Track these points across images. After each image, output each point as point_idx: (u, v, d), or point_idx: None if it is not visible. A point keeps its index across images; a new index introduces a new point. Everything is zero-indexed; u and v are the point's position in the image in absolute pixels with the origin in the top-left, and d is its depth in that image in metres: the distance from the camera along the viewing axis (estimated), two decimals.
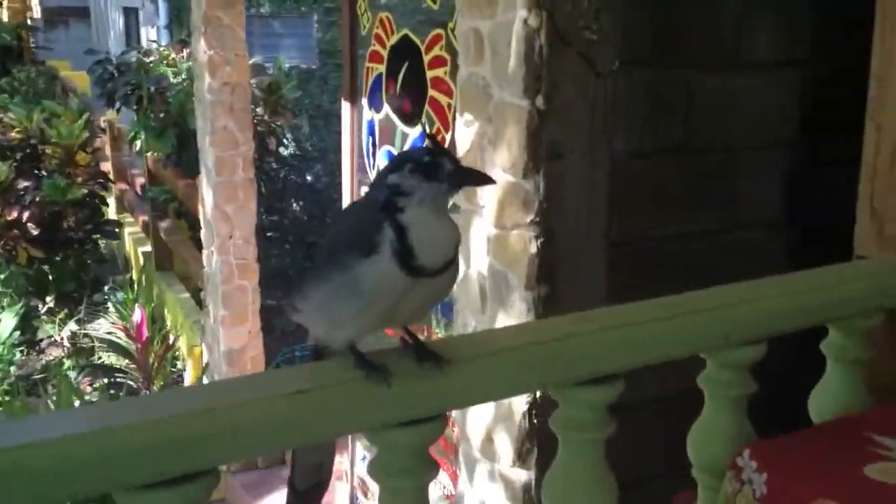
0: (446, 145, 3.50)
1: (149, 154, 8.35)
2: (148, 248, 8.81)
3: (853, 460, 1.26)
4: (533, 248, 2.50)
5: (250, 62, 6.34)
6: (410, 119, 3.81)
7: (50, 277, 8.05)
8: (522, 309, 2.55)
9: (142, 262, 8.76)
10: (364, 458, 4.29)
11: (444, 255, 1.10)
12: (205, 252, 6.28)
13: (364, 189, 4.38)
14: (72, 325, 7.70)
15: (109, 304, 7.61)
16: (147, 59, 8.25)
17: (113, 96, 8.38)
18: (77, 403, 5.62)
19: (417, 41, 3.69)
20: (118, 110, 8.84)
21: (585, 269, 2.61)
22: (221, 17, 5.76)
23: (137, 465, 0.96)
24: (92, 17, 19.69)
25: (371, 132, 4.22)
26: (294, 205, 9.52)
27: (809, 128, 2.92)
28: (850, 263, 1.63)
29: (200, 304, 7.10)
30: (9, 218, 7.53)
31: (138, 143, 8.25)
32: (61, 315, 7.84)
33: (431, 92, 3.60)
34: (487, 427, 2.67)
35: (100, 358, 7.29)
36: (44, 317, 7.92)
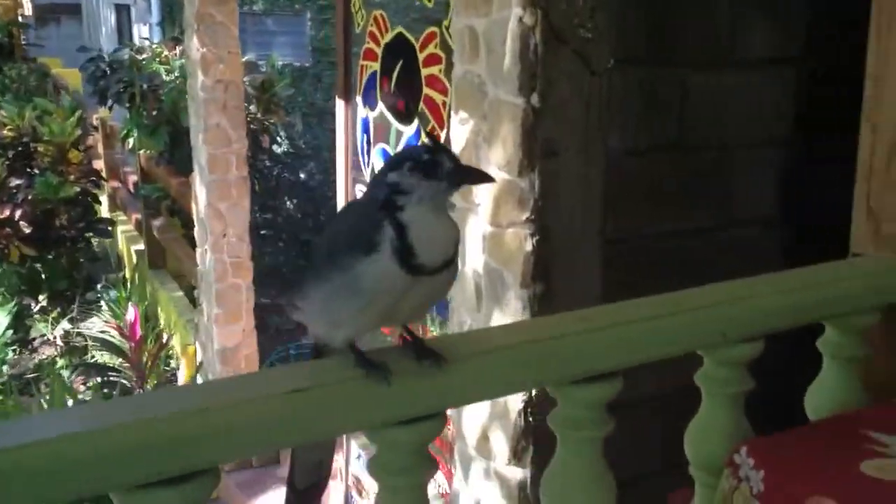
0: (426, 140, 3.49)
1: (141, 152, 8.33)
2: (141, 246, 8.80)
3: (849, 457, 1.26)
4: (528, 246, 2.50)
5: (243, 60, 6.33)
6: (405, 117, 3.81)
7: (42, 276, 8.04)
8: (518, 307, 2.55)
9: (135, 260, 8.75)
10: (359, 457, 4.30)
11: (444, 253, 1.10)
12: (198, 250, 6.27)
13: (359, 187, 4.38)
14: (65, 324, 7.69)
15: (102, 303, 7.60)
16: (140, 57, 8.24)
17: (105, 94, 8.37)
18: (70, 402, 5.61)
19: (412, 39, 3.69)
20: (111, 108, 8.82)
21: (580, 267, 2.61)
22: (214, 15, 5.75)
23: (137, 465, 0.96)
24: (83, 14, 19.65)
25: (366, 130, 4.22)
26: (288, 202, 9.52)
27: (804, 125, 2.92)
28: (846, 261, 1.63)
29: (194, 302, 7.09)
30: (1, 216, 7.51)
31: (131, 140, 8.24)
32: (54, 314, 7.83)
33: (426, 90, 3.60)
34: (483, 425, 2.67)
35: (93, 357, 7.28)
36: (36, 315, 7.91)
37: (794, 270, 1.54)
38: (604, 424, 1.29)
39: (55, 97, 9.76)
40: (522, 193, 2.49)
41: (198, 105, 5.92)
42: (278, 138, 9.20)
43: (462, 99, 2.71)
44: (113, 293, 7.54)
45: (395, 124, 3.90)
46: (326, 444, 1.34)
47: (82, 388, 6.63)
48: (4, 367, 6.99)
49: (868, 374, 1.55)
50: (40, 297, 8.01)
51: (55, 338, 7.63)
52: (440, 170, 1.08)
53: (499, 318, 2.62)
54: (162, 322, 7.65)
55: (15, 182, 7.74)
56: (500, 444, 2.61)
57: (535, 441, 2.56)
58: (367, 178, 4.25)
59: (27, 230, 7.62)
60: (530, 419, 2.54)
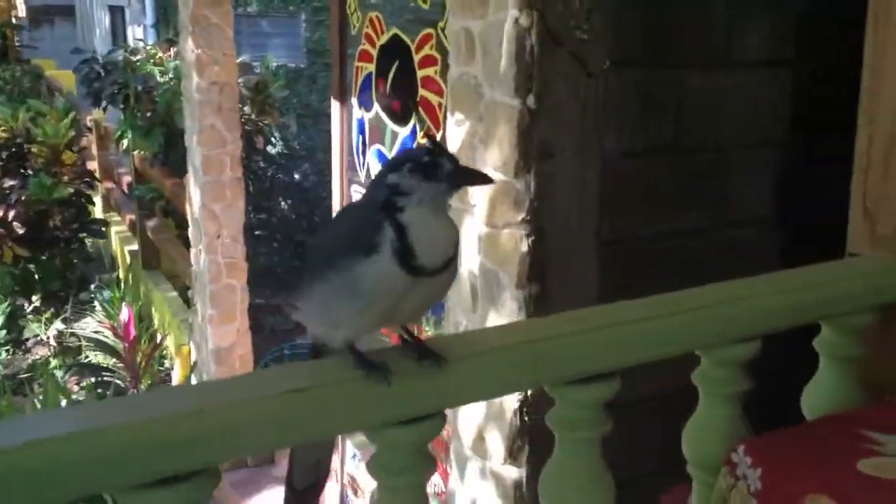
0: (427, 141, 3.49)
1: (136, 153, 8.33)
2: (135, 246, 8.79)
3: (846, 456, 1.27)
4: (524, 247, 2.51)
5: (238, 61, 6.33)
6: (401, 118, 3.82)
7: (36, 276, 8.02)
8: (513, 308, 2.55)
9: (129, 260, 8.74)
10: (354, 457, 4.30)
11: (444, 254, 1.10)
12: (193, 251, 6.27)
13: (354, 188, 4.38)
14: (58, 324, 7.68)
15: (96, 303, 7.58)
16: (134, 58, 8.24)
17: (99, 95, 8.36)
18: (64, 403, 5.60)
19: (407, 40, 3.70)
20: (105, 109, 8.82)
21: (576, 268, 2.62)
22: (209, 16, 5.75)
23: (137, 465, 0.96)
24: (77, 15, 19.62)
25: (361, 131, 4.22)
26: (282, 203, 9.52)
27: (800, 126, 2.93)
28: (842, 261, 1.64)
29: (188, 302, 7.08)
30: None
31: (125, 142, 8.23)
32: (47, 314, 7.82)
33: (422, 91, 3.60)
34: (479, 425, 2.68)
35: (87, 357, 7.27)
36: (30, 316, 7.89)
37: (790, 271, 1.54)
38: (602, 424, 1.29)
39: (49, 99, 9.76)
40: (518, 194, 2.50)
41: (192, 106, 5.92)
42: (273, 139, 9.20)
43: (458, 100, 2.72)
44: (107, 293, 7.53)
45: (391, 125, 3.91)
46: (325, 444, 1.34)
47: (76, 388, 6.62)
48: None
49: (865, 373, 1.55)
50: (34, 298, 8.00)
51: (49, 338, 7.62)
52: (440, 171, 1.09)
53: (494, 319, 2.62)
54: (156, 322, 7.64)
55: (8, 183, 7.73)
56: (496, 444, 2.62)
57: (530, 440, 2.57)
58: (363, 179, 4.26)
59: (21, 231, 7.61)
60: (526, 419, 2.55)
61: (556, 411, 1.29)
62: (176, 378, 6.96)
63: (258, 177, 8.87)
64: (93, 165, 9.55)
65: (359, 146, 4.26)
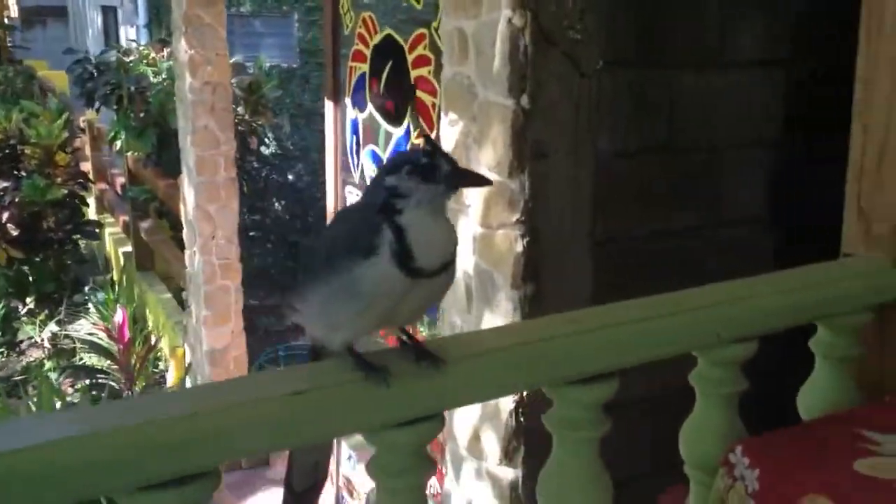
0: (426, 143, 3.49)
1: (129, 154, 8.32)
2: (128, 248, 8.78)
3: (843, 456, 1.27)
4: (518, 248, 2.51)
5: (231, 61, 6.32)
6: (395, 118, 3.82)
7: (30, 278, 8.00)
8: (508, 308, 2.56)
9: (122, 262, 8.73)
10: (350, 458, 4.30)
11: (443, 255, 1.10)
12: (187, 252, 6.26)
13: (348, 188, 4.38)
14: (52, 326, 7.66)
15: (90, 305, 7.57)
16: (127, 59, 8.22)
17: (92, 96, 8.35)
18: (58, 405, 5.58)
19: (401, 40, 3.70)
20: (98, 110, 8.80)
21: (570, 268, 2.62)
22: (202, 17, 5.74)
23: (138, 467, 0.96)
24: (70, 16, 19.59)
25: (355, 131, 4.22)
26: (276, 204, 9.51)
27: (793, 126, 2.94)
28: (838, 261, 1.64)
29: (182, 304, 7.08)
30: None
31: (118, 142, 8.22)
32: (41, 316, 7.80)
33: (415, 91, 3.60)
34: (474, 425, 2.68)
35: (81, 359, 7.26)
36: (24, 318, 7.87)
37: (786, 271, 1.55)
38: (600, 425, 1.29)
39: (42, 99, 9.73)
40: (512, 195, 2.50)
41: (186, 107, 5.91)
42: (266, 140, 9.19)
43: (452, 100, 2.72)
44: (101, 295, 7.52)
45: (385, 126, 3.91)
46: (324, 445, 1.34)
47: (70, 390, 6.61)
48: None
49: (861, 373, 1.56)
50: (27, 300, 7.98)
51: (43, 340, 7.60)
52: (438, 173, 1.09)
53: (489, 319, 2.62)
54: (150, 324, 7.63)
55: (2, 185, 7.71)
56: (492, 445, 2.62)
57: (526, 441, 2.57)
58: (357, 180, 4.26)
59: (14, 233, 7.60)
60: (521, 419, 2.55)
61: (555, 412, 1.29)
62: (170, 380, 6.96)
63: (252, 177, 8.86)
64: (86, 166, 9.54)
65: (353, 146, 4.26)
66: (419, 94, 3.57)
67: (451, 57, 2.70)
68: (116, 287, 7.74)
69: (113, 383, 6.58)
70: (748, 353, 1.42)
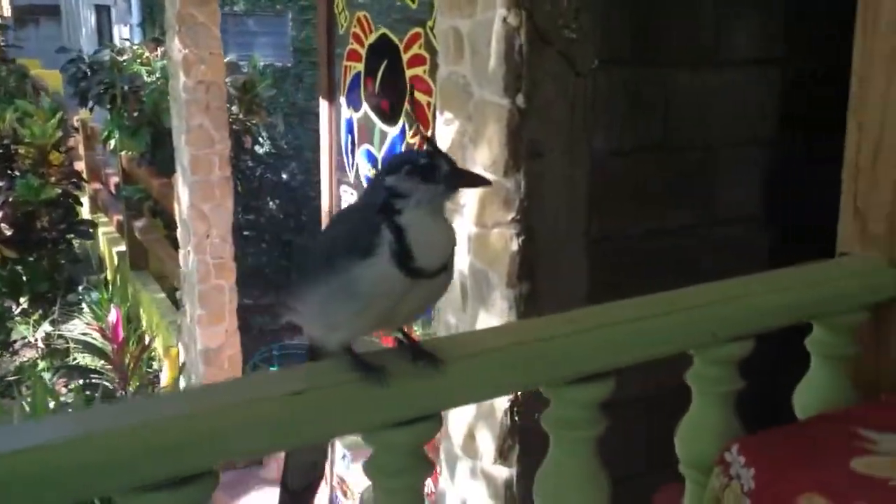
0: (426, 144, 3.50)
1: (123, 153, 8.31)
2: (122, 247, 8.77)
3: (839, 454, 1.27)
4: (514, 247, 2.51)
5: (225, 60, 6.32)
6: (390, 118, 3.82)
7: (23, 278, 7.98)
8: (503, 307, 2.56)
9: (116, 261, 8.71)
10: (344, 457, 4.30)
11: (442, 256, 1.10)
12: (181, 251, 6.26)
13: (343, 188, 4.38)
14: (46, 326, 7.64)
15: (84, 305, 7.56)
16: (120, 58, 8.21)
17: (86, 95, 8.33)
18: (52, 405, 5.57)
19: (396, 40, 3.70)
20: (91, 109, 8.79)
21: (566, 267, 2.63)
22: (196, 15, 5.74)
23: (137, 468, 0.96)
24: (63, 15, 19.56)
25: (350, 131, 4.22)
26: (270, 203, 9.51)
27: (788, 125, 2.94)
28: (834, 260, 1.65)
29: (176, 303, 7.07)
30: None
31: (112, 142, 8.21)
32: (35, 316, 7.78)
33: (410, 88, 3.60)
34: (469, 424, 2.68)
35: (74, 359, 7.24)
36: (17, 318, 7.85)
37: (783, 270, 1.55)
38: (597, 424, 1.29)
39: (35, 99, 9.70)
40: (508, 194, 2.50)
41: (180, 106, 5.91)
42: (260, 139, 9.19)
43: (447, 100, 2.72)
44: (95, 295, 7.51)
45: (380, 125, 3.91)
46: (320, 445, 1.34)
47: (64, 390, 6.60)
48: None
49: (856, 372, 1.56)
50: (21, 300, 7.95)
51: (36, 340, 7.58)
52: (437, 173, 1.09)
53: (484, 319, 2.62)
54: (144, 324, 7.62)
55: None
56: (487, 444, 2.62)
57: (521, 440, 2.57)
58: (352, 179, 4.25)
59: (8, 232, 7.57)
60: (516, 418, 2.55)
61: (552, 412, 1.29)
62: (164, 380, 6.94)
63: (246, 176, 8.86)
64: (80, 166, 9.52)
65: (348, 146, 4.26)
66: (414, 92, 3.58)
67: (447, 56, 2.70)
68: (110, 286, 7.73)
69: (107, 383, 6.58)
70: (744, 352, 1.42)
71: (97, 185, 10.21)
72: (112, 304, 7.06)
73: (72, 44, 14.61)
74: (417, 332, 3.58)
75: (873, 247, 1.58)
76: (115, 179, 9.41)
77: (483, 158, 2.55)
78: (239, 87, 7.78)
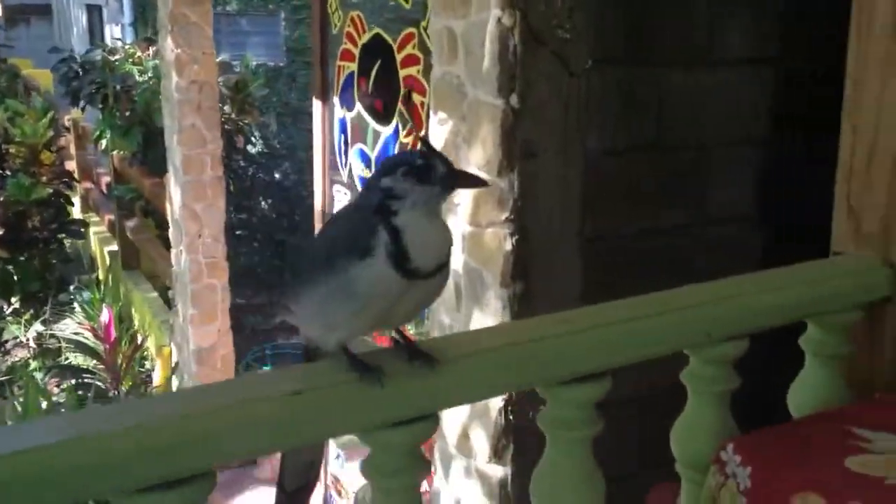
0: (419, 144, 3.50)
1: (114, 153, 8.29)
2: (114, 247, 8.75)
3: (835, 453, 1.28)
4: (508, 246, 2.51)
5: (217, 60, 6.31)
6: (383, 117, 3.82)
7: (15, 277, 7.96)
8: (498, 307, 2.56)
9: (108, 261, 8.70)
10: (338, 457, 4.30)
11: (439, 257, 1.10)
12: (173, 251, 6.25)
13: (337, 187, 4.38)
14: (38, 326, 7.62)
15: (75, 304, 7.54)
16: (112, 58, 8.19)
17: (78, 95, 8.31)
18: (44, 405, 5.57)
19: (389, 40, 3.70)
20: (83, 109, 8.77)
21: (560, 267, 2.63)
22: (188, 15, 5.73)
23: (136, 469, 0.96)
24: (54, 14, 19.51)
25: (343, 130, 4.22)
26: (262, 203, 9.50)
27: (782, 125, 2.95)
28: (828, 260, 1.65)
29: (168, 303, 7.06)
30: None
31: (104, 141, 8.19)
32: (27, 315, 7.76)
33: (404, 90, 3.60)
34: (463, 424, 2.68)
35: (66, 359, 7.22)
36: (9, 317, 7.83)
37: (777, 269, 1.55)
38: (593, 424, 1.30)
39: (26, 98, 9.67)
40: (502, 194, 2.50)
41: (172, 106, 5.90)
42: (253, 138, 9.18)
43: (441, 100, 2.72)
44: (86, 294, 7.48)
45: (373, 125, 3.91)
46: (316, 445, 1.34)
47: (56, 390, 6.58)
48: None
49: (850, 371, 1.56)
50: (12, 299, 7.94)
51: (28, 340, 7.56)
52: (434, 174, 1.09)
53: (479, 318, 2.63)
54: (136, 323, 7.61)
55: None
56: (481, 443, 2.62)
57: (515, 439, 2.58)
58: (345, 179, 4.26)
59: None
60: (511, 417, 2.56)
61: (549, 412, 1.29)
62: (157, 379, 6.94)
63: (238, 176, 8.85)
64: (71, 165, 9.50)
65: (341, 146, 4.26)
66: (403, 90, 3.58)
67: (441, 56, 2.70)
68: (102, 286, 7.71)
69: (99, 383, 6.57)
70: (739, 352, 1.42)
71: (88, 185, 10.20)
72: (104, 304, 7.04)
73: (63, 43, 14.56)
74: (410, 331, 3.59)
75: (867, 246, 1.59)
76: (106, 179, 9.39)
77: (477, 158, 2.55)
78: (231, 86, 7.76)
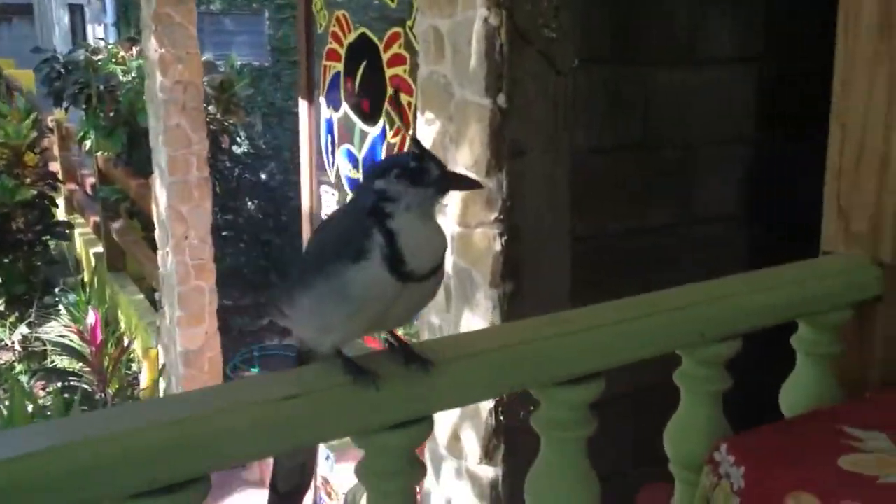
0: (406, 144, 3.50)
1: (99, 153, 8.24)
2: (99, 248, 8.70)
3: (827, 452, 1.28)
4: (497, 246, 2.51)
5: (202, 60, 6.29)
6: (370, 117, 3.81)
7: None
8: (487, 307, 2.56)
9: (93, 263, 8.65)
10: (328, 458, 4.29)
11: (433, 259, 1.10)
12: (160, 253, 6.22)
13: (324, 188, 4.37)
14: (23, 329, 7.59)
15: (61, 307, 7.51)
16: (95, 58, 8.15)
17: (61, 95, 8.26)
18: (30, 408, 5.55)
19: (375, 39, 3.69)
20: (66, 109, 8.72)
21: (549, 266, 2.63)
22: (172, 15, 5.71)
23: (131, 474, 0.96)
24: (36, 14, 19.41)
25: (330, 131, 4.21)
26: (249, 203, 9.47)
27: (768, 124, 2.96)
28: (819, 259, 1.66)
29: (154, 305, 7.03)
30: None
31: (88, 142, 8.14)
32: (12, 318, 7.73)
33: (391, 90, 3.60)
34: (454, 425, 2.68)
35: (52, 361, 7.20)
36: None
37: (768, 269, 1.56)
38: (587, 424, 1.30)
39: (8, 99, 9.64)
40: (490, 193, 2.50)
41: (157, 106, 5.88)
42: (238, 139, 9.15)
43: (428, 100, 2.72)
44: (72, 297, 7.45)
45: (360, 125, 3.90)
46: (309, 447, 1.34)
47: (42, 393, 6.56)
48: None
49: (842, 370, 1.57)
50: None
51: (13, 343, 7.53)
52: (427, 176, 1.08)
53: (469, 318, 2.63)
54: (122, 325, 7.57)
55: None
56: (472, 444, 2.62)
57: (506, 440, 2.58)
58: (332, 179, 4.25)
59: None
60: (501, 418, 2.56)
61: (543, 413, 1.29)
62: (144, 382, 6.91)
63: (224, 177, 8.82)
64: (55, 167, 9.46)
65: (327, 146, 4.25)
66: (390, 90, 3.57)
67: (427, 56, 2.70)
68: (87, 288, 7.68)
69: (86, 386, 6.54)
70: (732, 352, 1.43)
71: (73, 186, 10.14)
72: (90, 306, 7.01)
73: (45, 43, 14.50)
74: (399, 331, 3.58)
75: (857, 245, 1.60)
76: (91, 180, 9.34)
77: (465, 158, 2.55)
78: (216, 86, 7.74)
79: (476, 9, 2.46)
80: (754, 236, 2.95)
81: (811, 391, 1.55)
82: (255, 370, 7.01)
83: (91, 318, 6.67)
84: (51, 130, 9.95)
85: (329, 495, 4.32)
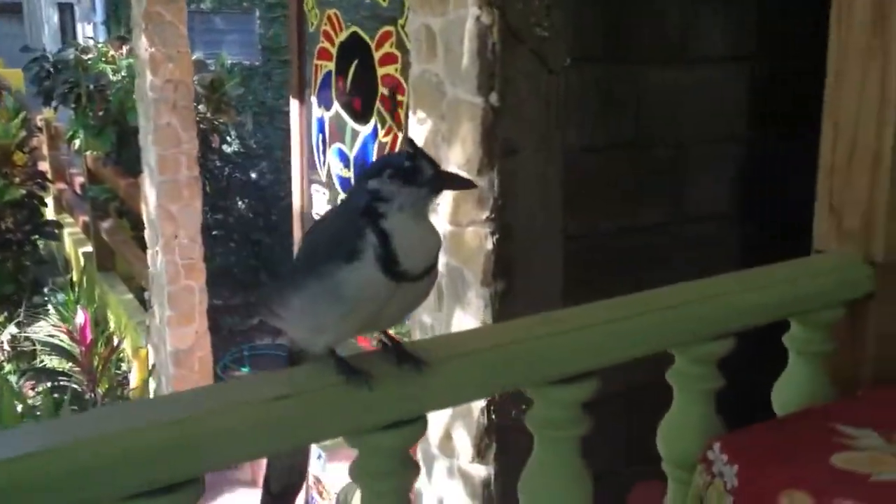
0: (399, 143, 3.50)
1: (88, 153, 8.21)
2: (89, 248, 8.67)
3: (820, 450, 1.28)
4: (489, 245, 2.51)
5: (192, 58, 6.27)
6: (361, 116, 3.81)
7: None
8: (479, 305, 2.56)
9: (83, 262, 8.62)
10: (320, 457, 4.28)
11: (426, 259, 1.10)
12: (149, 252, 6.21)
13: (315, 187, 4.36)
14: (12, 329, 7.55)
15: (50, 307, 7.47)
16: (85, 57, 8.11)
17: (50, 94, 8.22)
18: (20, 408, 5.52)
19: (367, 38, 3.69)
20: (55, 109, 8.69)
21: (541, 265, 2.63)
22: (163, 14, 5.70)
23: (125, 475, 0.95)
24: (25, 13, 19.36)
25: (321, 130, 4.20)
26: (239, 202, 9.44)
27: (761, 122, 2.96)
28: (811, 258, 1.66)
29: (144, 304, 7.01)
30: None
31: (77, 141, 8.11)
32: (0, 318, 7.69)
33: (382, 89, 3.59)
34: (446, 424, 2.68)
35: (42, 361, 7.16)
36: None
37: (760, 268, 1.56)
38: (581, 423, 1.30)
39: None
40: (482, 192, 2.50)
41: (147, 105, 5.86)
42: (228, 138, 9.13)
43: (420, 98, 2.72)
44: (61, 296, 7.42)
45: (351, 124, 3.89)
46: (302, 448, 1.34)
47: (31, 393, 6.53)
48: None
49: (834, 368, 1.57)
50: None
51: (2, 343, 7.49)
52: (421, 176, 1.08)
53: (460, 317, 2.62)
54: (112, 325, 7.55)
55: None
56: (464, 443, 2.62)
57: (498, 439, 2.57)
58: (323, 178, 4.24)
59: None
60: (493, 417, 2.55)
61: (536, 412, 1.29)
62: (133, 381, 6.89)
63: (214, 176, 8.78)
64: (44, 166, 9.42)
65: (319, 145, 4.25)
66: (386, 91, 3.57)
67: (419, 54, 2.70)
68: (77, 288, 7.64)
69: (75, 386, 6.52)
70: (724, 350, 1.43)
71: (62, 186, 10.10)
72: (79, 306, 6.98)
73: (34, 42, 14.48)
74: (391, 331, 3.57)
75: (849, 243, 1.60)
76: (80, 180, 9.31)
77: (457, 157, 2.54)
78: (206, 85, 7.71)
79: (468, 7, 2.46)
80: (746, 235, 2.96)
81: (803, 389, 1.55)
82: (245, 370, 6.99)
83: (80, 317, 6.64)
84: (40, 130, 9.90)
85: (321, 494, 4.31)
